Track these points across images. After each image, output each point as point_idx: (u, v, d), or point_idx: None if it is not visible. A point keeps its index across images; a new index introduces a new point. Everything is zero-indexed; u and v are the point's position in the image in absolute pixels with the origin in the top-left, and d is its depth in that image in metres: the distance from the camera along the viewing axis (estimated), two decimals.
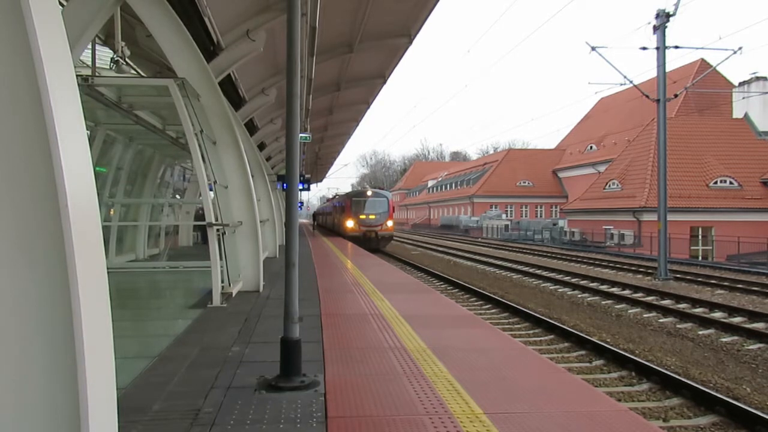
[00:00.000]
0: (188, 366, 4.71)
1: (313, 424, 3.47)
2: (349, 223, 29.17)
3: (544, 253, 30.36)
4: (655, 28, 19.24)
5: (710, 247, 31.56)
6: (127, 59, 8.28)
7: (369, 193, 31.47)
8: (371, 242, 27.60)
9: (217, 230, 7.88)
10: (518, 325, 10.92)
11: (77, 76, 4.15)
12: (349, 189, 59.37)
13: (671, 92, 20.25)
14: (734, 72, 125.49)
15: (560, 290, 16.02)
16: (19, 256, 1.96)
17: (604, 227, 36.40)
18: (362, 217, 29.05)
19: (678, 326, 11.04)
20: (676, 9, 18.39)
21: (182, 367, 4.67)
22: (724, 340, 9.86)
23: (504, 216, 57.81)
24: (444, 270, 20.42)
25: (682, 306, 13.15)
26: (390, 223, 29.64)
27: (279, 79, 14.08)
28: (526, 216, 60.80)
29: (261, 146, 20.63)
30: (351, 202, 30.15)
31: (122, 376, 3.47)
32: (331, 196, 50.50)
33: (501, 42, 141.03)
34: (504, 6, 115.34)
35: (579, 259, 26.29)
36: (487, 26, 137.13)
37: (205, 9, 8.28)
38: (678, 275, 19.16)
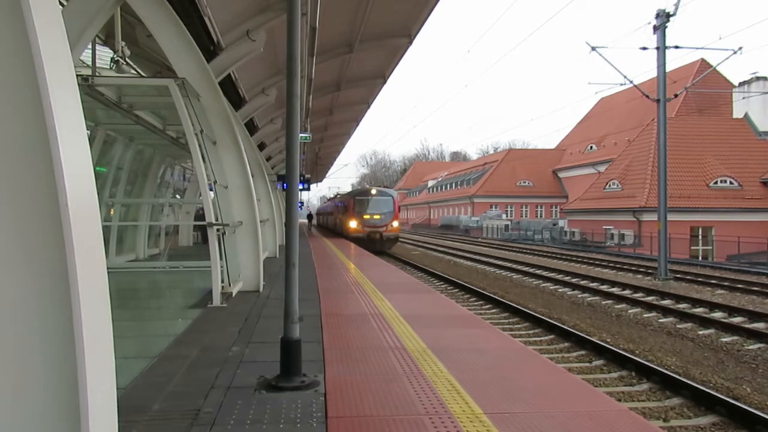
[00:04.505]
0: (188, 366, 4.71)
1: (313, 424, 3.47)
2: (352, 224, 27.82)
3: (544, 253, 30.36)
4: (655, 28, 19.25)
5: (710, 247, 31.56)
6: (127, 59, 8.28)
7: (373, 191, 29.72)
8: (375, 244, 26.40)
9: (217, 230, 7.88)
10: (518, 325, 10.92)
11: (77, 76, 4.15)
12: (349, 189, 59.09)
13: (671, 92, 20.26)
14: (734, 72, 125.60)
15: (560, 290, 16.01)
16: (19, 256, 1.96)
17: (604, 227, 36.40)
18: (366, 217, 27.64)
19: (678, 326, 11.04)
20: (676, 9, 18.42)
21: (182, 367, 4.67)
22: (724, 340, 9.85)
23: (504, 216, 57.81)
24: (444, 270, 20.42)
25: (682, 306, 13.14)
26: (395, 224, 28.22)
27: (279, 79, 14.08)
28: (526, 216, 60.81)
29: (261, 146, 20.64)
30: (354, 201, 28.68)
31: (122, 376, 3.48)
32: (332, 196, 50.01)
33: (501, 42, 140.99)
34: (504, 6, 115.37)
35: (579, 259, 26.29)
36: (487, 26, 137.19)
37: (205, 9, 8.28)
38: (678, 275, 19.17)
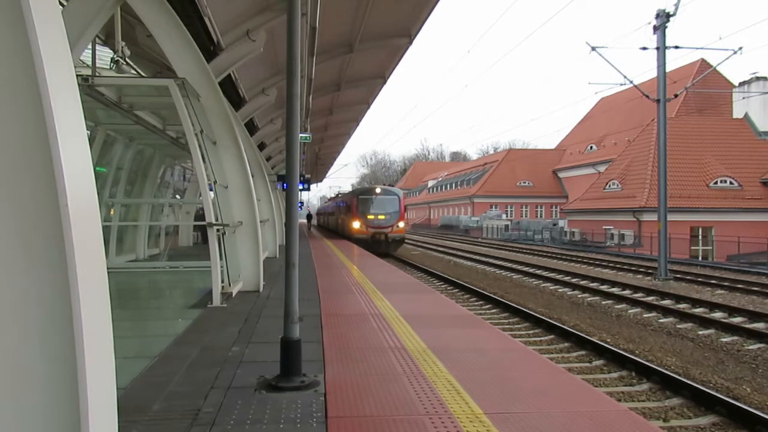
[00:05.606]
0: (188, 366, 4.71)
1: (313, 424, 3.47)
2: (356, 224, 26.30)
3: (544, 254, 30.36)
4: (655, 28, 19.25)
5: (710, 247, 31.57)
6: (127, 59, 8.27)
7: (378, 190, 27.89)
8: (380, 245, 25.05)
9: (217, 230, 7.88)
10: (518, 325, 10.92)
11: (77, 76, 4.15)
12: (349, 189, 58.81)
13: (671, 92, 20.26)
14: (734, 72, 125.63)
15: (560, 290, 16.01)
16: (19, 256, 1.96)
17: (604, 227, 36.41)
18: (370, 217, 26.14)
19: (678, 326, 11.04)
20: (676, 9, 18.42)
21: (182, 367, 4.67)
22: (724, 340, 9.85)
23: (504, 216, 57.82)
24: (444, 270, 20.42)
25: (682, 306, 13.14)
26: (401, 224, 26.68)
27: (279, 79, 14.08)
28: (526, 216, 60.82)
29: (261, 146, 20.63)
30: (358, 200, 27.07)
31: (122, 376, 3.48)
32: (333, 195, 49.50)
33: (501, 42, 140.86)
34: (504, 6, 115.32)
35: (579, 260, 26.29)
36: (487, 26, 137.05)
37: (205, 9, 8.28)
38: (678, 275, 19.17)
